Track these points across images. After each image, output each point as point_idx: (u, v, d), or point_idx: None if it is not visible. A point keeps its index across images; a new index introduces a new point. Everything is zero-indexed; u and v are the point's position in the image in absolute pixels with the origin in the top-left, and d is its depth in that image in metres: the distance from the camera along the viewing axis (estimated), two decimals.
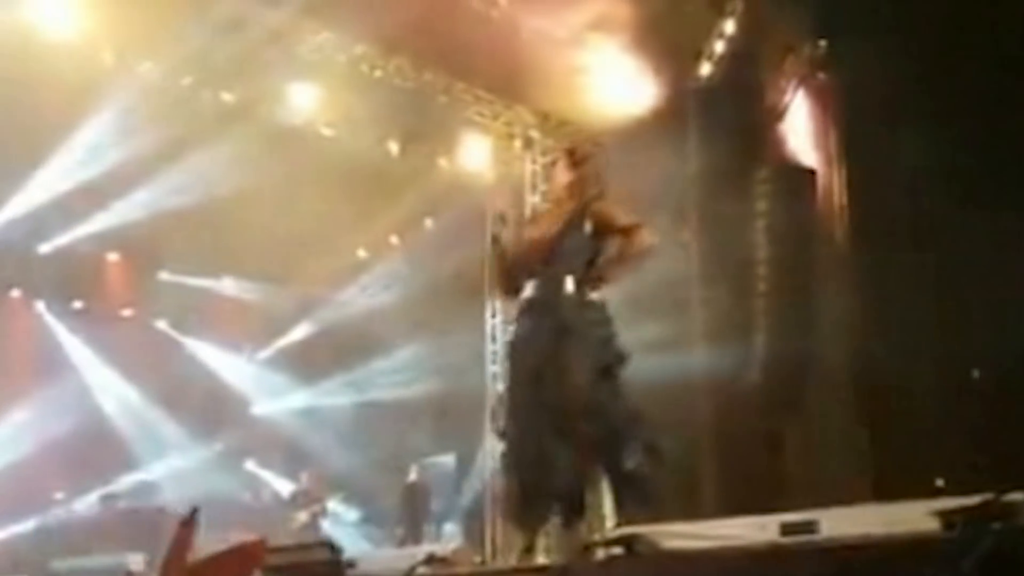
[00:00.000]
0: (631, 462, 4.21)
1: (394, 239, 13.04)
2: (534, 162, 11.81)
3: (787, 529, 2.93)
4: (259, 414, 13.87)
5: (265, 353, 13.89)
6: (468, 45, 9.53)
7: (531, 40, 9.21)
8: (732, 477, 9.45)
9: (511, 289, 4.54)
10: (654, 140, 9.81)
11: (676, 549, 3.01)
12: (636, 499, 4.19)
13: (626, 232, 4.37)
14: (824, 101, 9.60)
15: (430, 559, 3.27)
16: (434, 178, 11.60)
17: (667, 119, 9.70)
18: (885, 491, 6.65)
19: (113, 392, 12.68)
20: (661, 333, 9.81)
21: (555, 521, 4.34)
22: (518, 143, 11.77)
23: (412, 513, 11.34)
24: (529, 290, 4.37)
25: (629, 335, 9.74)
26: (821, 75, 9.60)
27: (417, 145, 11.33)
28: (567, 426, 4.15)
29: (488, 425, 11.98)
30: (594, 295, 4.33)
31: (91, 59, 9.13)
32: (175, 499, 12.14)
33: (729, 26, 9.87)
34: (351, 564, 3.49)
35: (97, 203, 11.10)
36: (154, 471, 12.46)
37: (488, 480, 11.76)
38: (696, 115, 9.95)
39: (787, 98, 9.79)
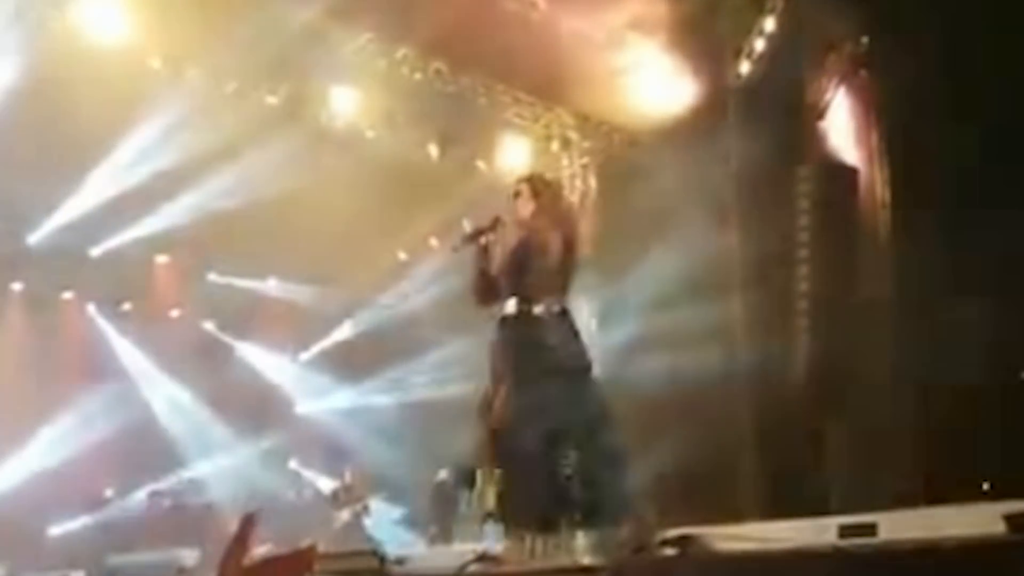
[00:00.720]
0: (592, 469, 4.37)
1: (433, 241, 13.01)
2: (572, 163, 11.74)
3: (845, 532, 2.83)
4: (303, 414, 13.89)
5: (309, 353, 13.90)
6: (507, 47, 9.48)
7: (570, 41, 9.14)
8: (775, 476, 9.31)
9: (487, 296, 4.78)
10: (693, 140, 9.70)
11: (731, 551, 2.92)
12: (594, 506, 4.32)
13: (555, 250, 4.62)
14: (866, 98, 9.42)
15: (481, 557, 3.20)
16: (473, 180, 11.56)
17: (707, 118, 9.59)
18: (934, 493, 6.49)
19: (162, 392, 12.76)
20: (703, 332, 9.71)
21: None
22: (556, 144, 11.71)
23: (442, 512, 11.28)
24: (508, 307, 4.63)
25: (673, 334, 9.68)
26: (863, 72, 9.42)
27: (456, 147, 11.29)
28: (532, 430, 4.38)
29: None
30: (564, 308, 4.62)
31: (139, 65, 9.19)
32: (221, 497, 12.23)
33: (769, 23, 9.72)
34: (401, 561, 3.43)
35: (146, 206, 11.16)
36: (201, 469, 12.51)
37: None
38: (736, 114, 9.81)
39: (828, 96, 9.62)
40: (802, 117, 9.68)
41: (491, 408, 4.55)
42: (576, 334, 4.77)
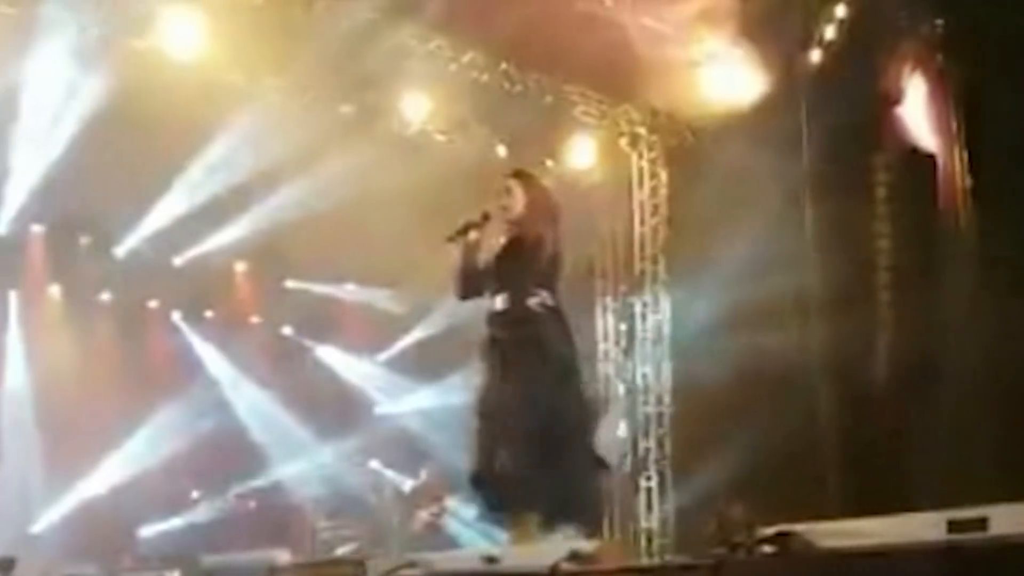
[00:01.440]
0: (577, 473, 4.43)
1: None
2: (641, 158, 11.62)
3: (955, 526, 2.70)
4: (382, 414, 13.97)
5: (387, 355, 13.98)
6: (574, 45, 9.39)
7: (638, 36, 9.02)
8: (857, 472, 9.08)
9: (469, 291, 4.80)
10: (765, 131, 9.51)
11: (834, 548, 2.81)
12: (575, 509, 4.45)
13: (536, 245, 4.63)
14: (943, 83, 9.12)
15: (574, 555, 3.15)
16: (542, 179, 11.50)
17: (778, 109, 9.39)
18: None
19: (245, 396, 12.95)
20: (778, 326, 9.52)
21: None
22: (624, 141, 11.60)
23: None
24: (500, 302, 4.62)
25: (748, 328, 9.51)
26: (939, 56, 9.13)
27: (525, 147, 11.25)
28: (522, 430, 4.37)
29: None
30: (557, 307, 4.61)
31: (218, 79, 9.32)
32: (305, 498, 12.36)
33: (840, 10, 9.48)
34: (493, 559, 3.39)
35: (226, 216, 11.33)
36: (284, 471, 12.66)
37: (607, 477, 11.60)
38: (808, 103, 9.58)
39: (904, 82, 9.34)
40: (877, 105, 9.41)
41: (492, 404, 4.48)
42: (568, 330, 4.76)
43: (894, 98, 9.34)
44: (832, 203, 9.56)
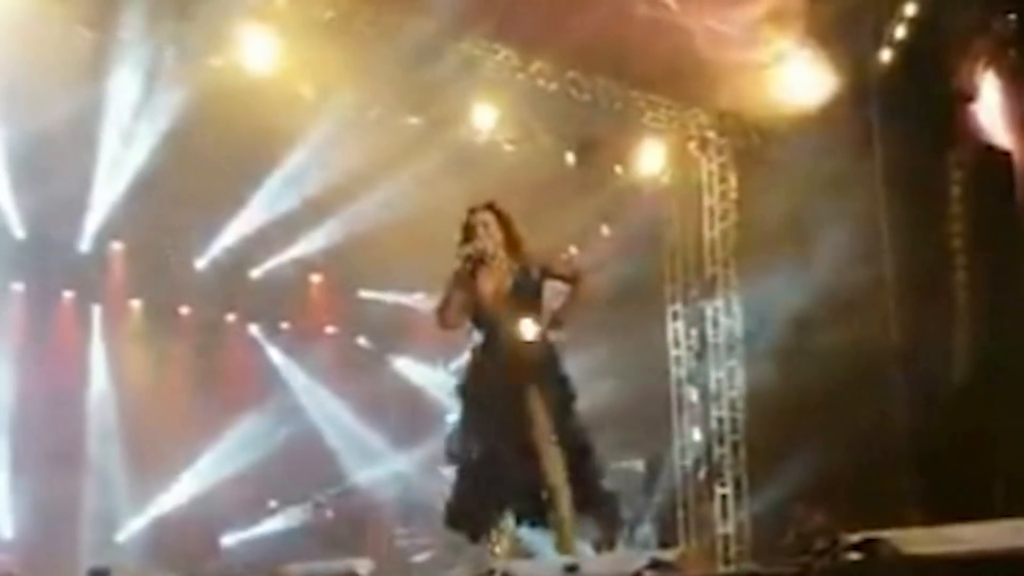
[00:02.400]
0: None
1: (573, 248, 12.92)
2: (711, 162, 11.50)
3: None
4: (454, 422, 13.97)
5: (458, 363, 13.99)
6: (641, 51, 9.35)
7: (705, 40, 8.94)
8: (935, 476, 8.84)
9: (454, 322, 4.84)
10: (836, 131, 9.35)
11: (927, 554, 2.72)
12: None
13: (571, 280, 4.81)
14: (1016, 79, 8.87)
15: (655, 564, 3.09)
16: (610, 186, 11.45)
17: (849, 109, 9.22)
18: None
19: (321, 406, 13.06)
20: (854, 330, 9.33)
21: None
22: (693, 145, 11.49)
23: (599, 518, 11.12)
24: (494, 332, 4.72)
25: (823, 333, 9.33)
26: (1011, 52, 8.89)
27: (593, 154, 11.21)
28: (533, 449, 4.60)
29: (674, 429, 11.74)
30: (552, 336, 4.75)
31: (290, 94, 9.45)
32: (381, 505, 12.41)
33: (910, 8, 9.28)
34: (573, 568, 3.35)
35: (300, 228, 11.48)
36: (361, 479, 12.74)
37: (679, 484, 11.47)
38: (880, 102, 9.39)
39: (977, 78, 9.10)
40: (950, 103, 9.19)
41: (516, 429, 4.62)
42: (560, 358, 4.88)
43: (967, 95, 9.11)
44: (906, 203, 9.36)
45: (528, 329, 4.66)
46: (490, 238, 4.80)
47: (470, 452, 4.80)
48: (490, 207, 4.95)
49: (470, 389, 4.87)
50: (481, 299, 4.75)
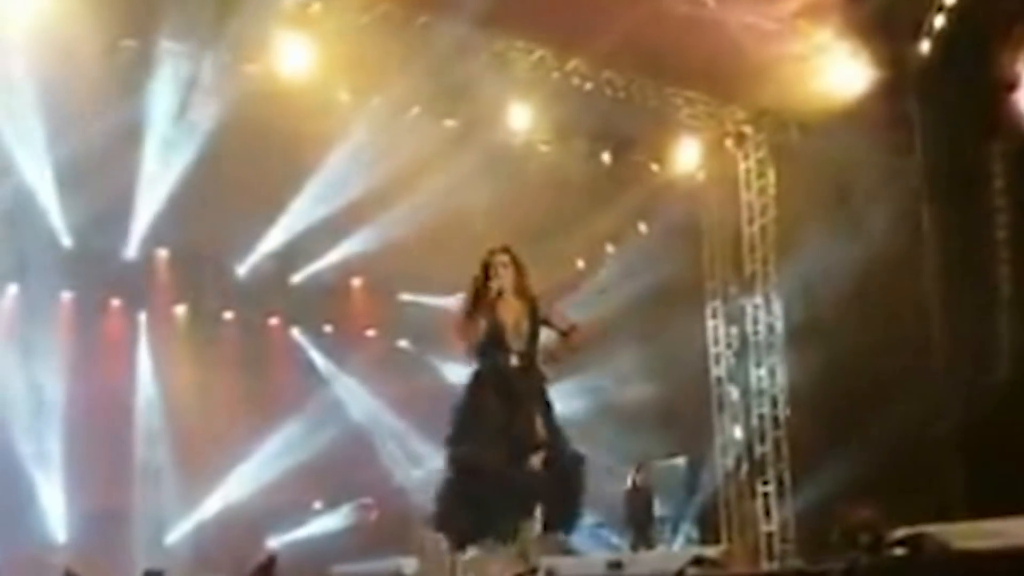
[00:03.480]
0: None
1: (610, 247, 12.83)
2: (748, 158, 11.36)
3: None
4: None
5: None
6: (677, 49, 9.25)
7: (741, 36, 8.81)
8: (981, 472, 8.63)
9: (473, 338, 5.30)
10: (875, 123, 9.18)
11: (972, 548, 2.62)
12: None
13: (565, 333, 5.35)
14: None
15: (698, 560, 3.02)
16: (646, 183, 11.35)
17: (888, 100, 9.04)
18: None
19: (363, 408, 13.07)
20: (896, 321, 9.16)
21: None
22: (730, 141, 11.36)
23: (636, 517, 11.03)
24: (506, 357, 5.24)
25: (865, 324, 9.16)
26: None
27: (629, 152, 11.13)
28: (527, 460, 5.09)
29: (715, 427, 11.61)
30: (545, 371, 5.30)
31: (327, 99, 9.46)
32: (423, 505, 12.38)
33: None
34: (618, 564, 3.29)
35: (340, 233, 11.49)
36: (403, 480, 12.73)
37: (721, 482, 11.35)
38: (919, 94, 9.20)
39: (1019, 68, 8.88)
40: (992, 92, 8.98)
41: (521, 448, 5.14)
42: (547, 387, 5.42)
43: (1010, 84, 8.90)
44: (948, 196, 9.16)
45: (531, 360, 5.27)
46: (507, 278, 5.33)
47: (467, 460, 5.22)
48: (507, 250, 5.49)
49: (475, 401, 5.32)
50: (500, 328, 5.28)
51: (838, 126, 9.48)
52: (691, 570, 2.93)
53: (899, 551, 2.84)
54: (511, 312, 5.36)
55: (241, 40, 9.08)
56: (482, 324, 5.30)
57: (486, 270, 5.35)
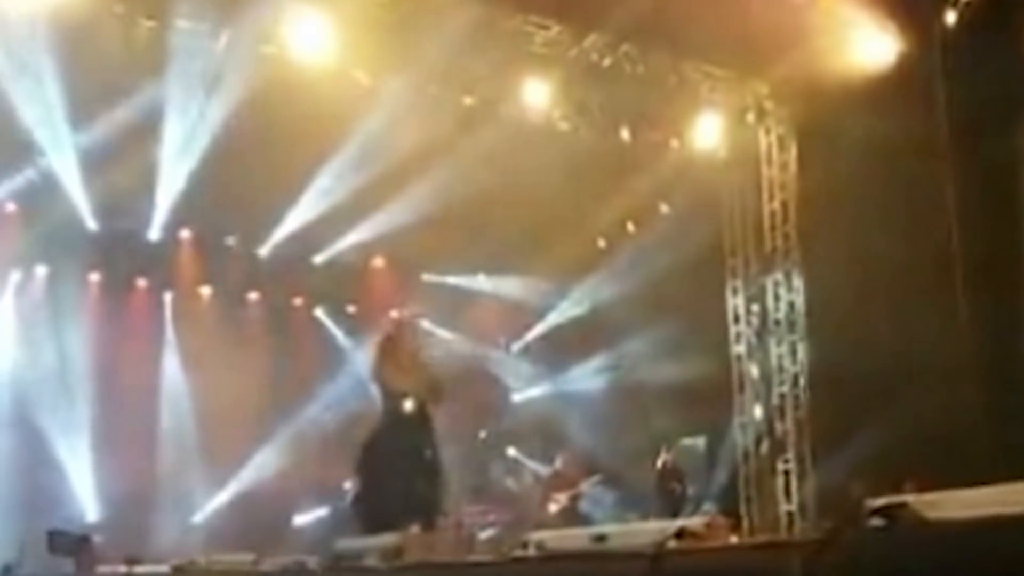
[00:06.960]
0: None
1: (631, 226, 12.55)
2: (769, 133, 11.02)
3: None
4: (519, 402, 13.76)
5: (521, 343, 13.76)
6: (697, 22, 8.90)
7: (761, 8, 8.47)
8: (1010, 451, 8.32)
9: (395, 375, 7.03)
10: (899, 98, 8.82)
11: (954, 518, 2.38)
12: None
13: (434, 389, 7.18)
14: None
15: (681, 533, 2.83)
16: (667, 160, 11.05)
17: (913, 73, 8.69)
18: None
19: None
20: (923, 298, 8.85)
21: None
22: (751, 116, 11.01)
23: (666, 496, 10.81)
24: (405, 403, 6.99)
25: (890, 300, 8.81)
26: None
27: (649, 129, 10.83)
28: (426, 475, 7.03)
29: (735, 406, 11.34)
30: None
31: (345, 79, 9.26)
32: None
33: None
34: (603, 537, 3.10)
35: (361, 212, 11.31)
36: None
37: (741, 461, 11.09)
38: (946, 66, 8.83)
39: None
40: (1020, 64, 8.60)
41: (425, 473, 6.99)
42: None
43: None
44: (974, 171, 8.81)
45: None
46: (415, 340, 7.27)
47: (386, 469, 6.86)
48: (411, 318, 7.52)
49: (393, 431, 6.96)
50: (404, 375, 6.97)
51: (861, 100, 9.14)
52: (672, 542, 2.74)
53: (876, 522, 2.59)
54: (417, 364, 7.04)
55: (258, 21, 8.86)
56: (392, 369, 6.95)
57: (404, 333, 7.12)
